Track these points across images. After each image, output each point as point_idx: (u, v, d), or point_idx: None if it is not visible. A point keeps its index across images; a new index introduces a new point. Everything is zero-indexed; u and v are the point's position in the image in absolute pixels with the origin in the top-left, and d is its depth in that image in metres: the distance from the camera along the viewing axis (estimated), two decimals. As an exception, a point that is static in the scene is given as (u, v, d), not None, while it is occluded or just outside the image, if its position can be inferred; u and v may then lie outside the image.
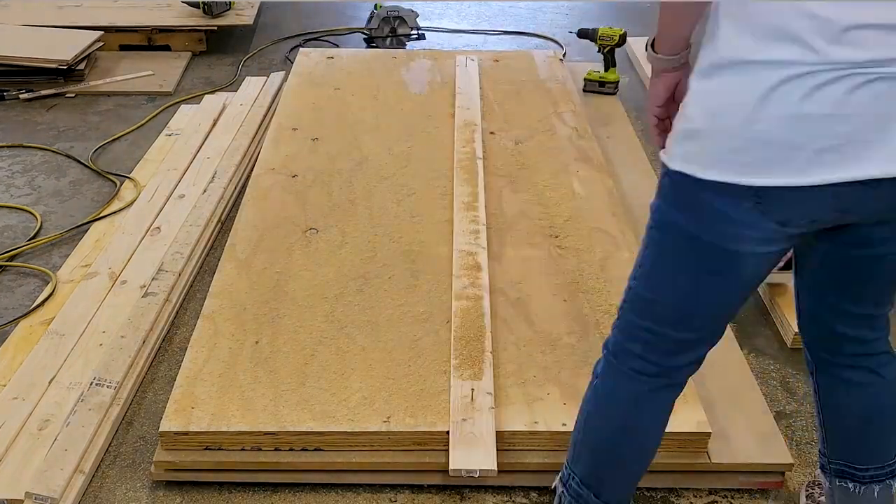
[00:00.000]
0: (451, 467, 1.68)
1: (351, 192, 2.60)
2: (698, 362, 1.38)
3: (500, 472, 1.78)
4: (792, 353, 2.23)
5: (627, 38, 3.54)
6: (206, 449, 1.77)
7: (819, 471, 1.62)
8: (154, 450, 1.81)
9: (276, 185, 2.62)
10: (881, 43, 1.06)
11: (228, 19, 4.11)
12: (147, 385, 2.07)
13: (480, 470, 1.68)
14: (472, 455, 1.70)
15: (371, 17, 4.28)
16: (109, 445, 1.89)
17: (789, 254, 1.40)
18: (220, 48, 4.13)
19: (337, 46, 4.17)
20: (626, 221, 2.49)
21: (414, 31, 4.28)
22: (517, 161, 2.78)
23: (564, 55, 3.91)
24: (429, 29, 4.46)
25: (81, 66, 3.67)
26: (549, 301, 2.13)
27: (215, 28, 4.05)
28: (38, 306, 2.28)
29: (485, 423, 1.75)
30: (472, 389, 1.83)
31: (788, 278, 1.83)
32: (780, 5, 1.07)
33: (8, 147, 3.19)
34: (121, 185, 2.89)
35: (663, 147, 1.27)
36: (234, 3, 4.19)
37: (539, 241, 2.37)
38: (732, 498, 1.81)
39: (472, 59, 3.55)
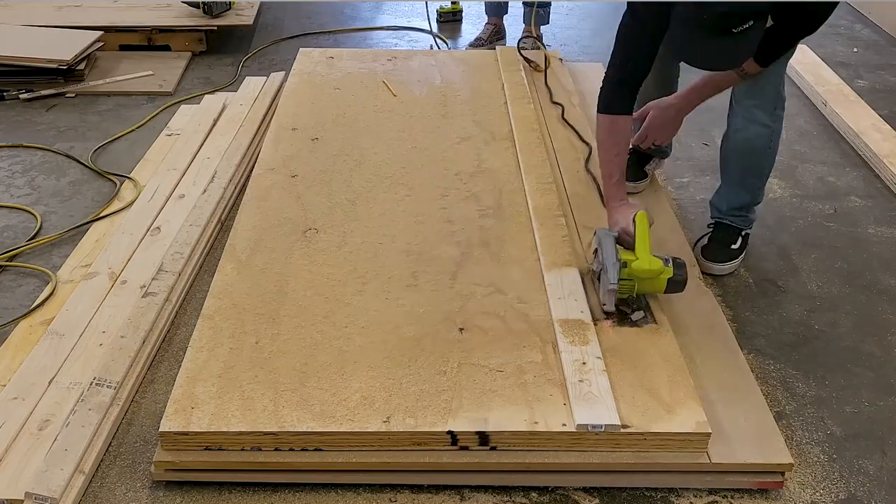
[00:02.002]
0: (576, 423, 1.76)
1: (351, 192, 2.60)
2: None
3: (499, 472, 1.79)
4: (792, 353, 2.23)
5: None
6: (206, 449, 1.77)
7: None
8: (154, 450, 1.81)
9: (276, 185, 2.62)
10: None
11: (228, 19, 4.11)
12: (147, 385, 2.07)
13: (605, 425, 1.75)
14: (595, 411, 1.78)
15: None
16: (109, 445, 1.89)
17: None
18: (220, 48, 4.13)
19: (337, 46, 4.17)
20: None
21: None
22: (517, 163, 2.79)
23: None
24: (429, 32, 4.46)
25: (81, 66, 3.67)
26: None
27: (215, 28, 4.05)
28: (38, 306, 2.28)
29: (601, 384, 1.85)
30: (584, 354, 1.93)
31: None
32: None
33: (8, 147, 3.19)
34: (121, 185, 2.89)
35: None
36: (234, 3, 4.18)
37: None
38: (732, 498, 1.81)
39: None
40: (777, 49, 2.18)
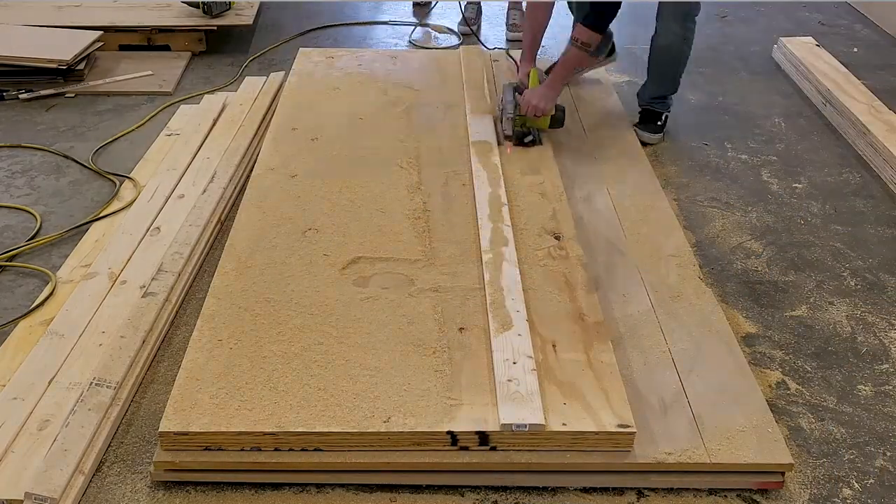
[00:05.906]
0: (501, 421, 1.76)
1: (351, 191, 2.60)
2: None
3: (500, 472, 1.79)
4: (792, 353, 2.23)
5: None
6: (205, 449, 1.77)
7: None
8: (154, 450, 1.81)
9: (276, 185, 2.62)
10: None
11: (228, 19, 4.10)
12: (147, 385, 2.07)
13: (529, 425, 1.75)
14: (520, 411, 1.77)
15: None
16: (109, 445, 1.89)
17: None
18: (219, 48, 4.13)
19: (337, 46, 4.16)
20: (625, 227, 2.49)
21: None
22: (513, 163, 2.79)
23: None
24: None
25: (81, 66, 3.67)
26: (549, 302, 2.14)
27: (215, 28, 4.05)
28: (38, 306, 2.28)
29: (529, 384, 1.84)
30: (514, 353, 1.93)
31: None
32: None
33: (7, 147, 3.19)
34: (120, 185, 2.89)
35: None
36: (233, 3, 4.18)
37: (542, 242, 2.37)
38: (732, 498, 1.81)
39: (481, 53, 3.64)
40: None
